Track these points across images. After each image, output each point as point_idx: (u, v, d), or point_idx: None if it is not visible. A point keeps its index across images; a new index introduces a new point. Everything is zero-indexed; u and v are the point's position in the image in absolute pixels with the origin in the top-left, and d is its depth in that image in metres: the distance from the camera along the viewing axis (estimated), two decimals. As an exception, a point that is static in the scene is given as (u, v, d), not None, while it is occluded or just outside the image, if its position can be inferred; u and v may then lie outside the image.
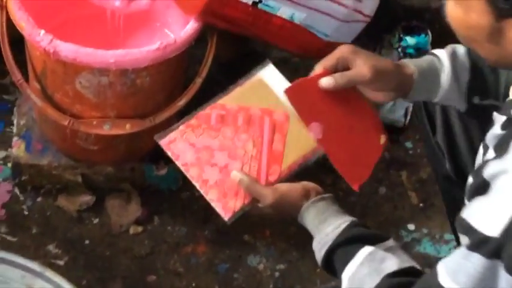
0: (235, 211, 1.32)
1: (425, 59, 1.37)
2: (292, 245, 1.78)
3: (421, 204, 1.91)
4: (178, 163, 1.34)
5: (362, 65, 1.29)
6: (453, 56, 1.36)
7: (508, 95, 1.21)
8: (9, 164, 1.82)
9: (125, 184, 1.82)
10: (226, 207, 1.31)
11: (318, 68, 1.31)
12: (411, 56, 1.99)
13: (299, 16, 1.51)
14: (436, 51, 1.38)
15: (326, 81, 1.28)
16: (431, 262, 1.75)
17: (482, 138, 1.23)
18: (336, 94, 1.30)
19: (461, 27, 1.10)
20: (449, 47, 1.38)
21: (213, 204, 1.32)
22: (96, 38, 1.70)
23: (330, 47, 1.56)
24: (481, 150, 1.24)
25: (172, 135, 1.35)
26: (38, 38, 1.48)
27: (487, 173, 1.07)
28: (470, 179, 1.15)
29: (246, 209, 1.32)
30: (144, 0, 1.63)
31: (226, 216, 1.31)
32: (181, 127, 1.36)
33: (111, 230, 1.77)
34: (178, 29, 1.71)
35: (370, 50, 2.10)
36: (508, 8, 1.01)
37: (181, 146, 1.35)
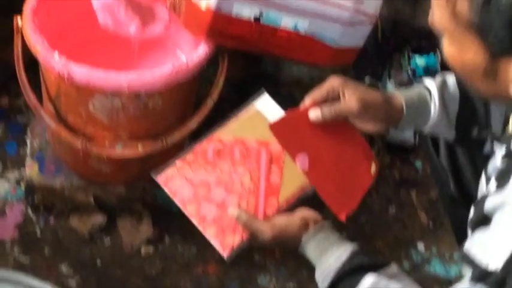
0: (233, 248, 1.32)
1: (415, 89, 1.39)
2: (302, 264, 1.77)
3: (430, 224, 1.92)
4: (175, 200, 1.34)
5: (350, 98, 1.30)
6: (443, 87, 1.38)
7: (506, 127, 1.23)
8: (22, 185, 1.84)
9: (137, 204, 1.83)
10: (224, 244, 1.31)
11: (308, 100, 1.32)
12: (420, 76, 2.00)
13: (302, 24, 1.51)
14: (426, 81, 1.40)
15: (314, 114, 1.30)
16: (441, 282, 1.75)
17: (484, 162, 1.24)
18: (325, 124, 1.31)
19: (457, 65, 1.11)
20: (440, 77, 1.40)
21: (211, 241, 1.32)
22: (109, 59, 1.72)
23: (341, 53, 1.57)
24: (483, 179, 1.25)
25: (169, 172, 1.36)
26: (52, 61, 1.50)
27: (487, 206, 1.08)
28: (472, 211, 1.16)
29: (244, 244, 1.32)
30: (158, 26, 1.64)
31: (224, 253, 1.31)
32: (178, 163, 1.37)
33: (123, 250, 1.78)
34: (190, 50, 1.73)
35: (379, 70, 2.13)
36: (501, 49, 1.02)
37: (178, 182, 1.35)
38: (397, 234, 1.92)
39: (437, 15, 1.09)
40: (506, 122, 1.27)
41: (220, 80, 1.66)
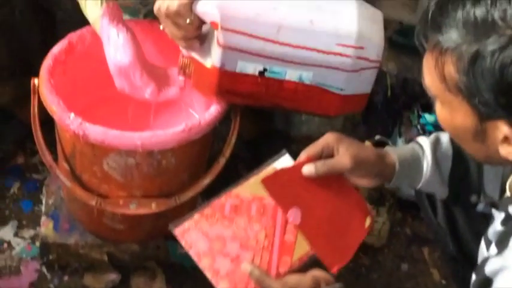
0: None
1: (408, 147, 1.41)
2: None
3: (443, 281, 1.91)
4: (191, 253, 1.35)
5: (344, 154, 1.32)
6: (436, 144, 1.39)
7: (504, 192, 1.24)
8: (37, 243, 1.85)
9: (150, 262, 1.84)
10: None
11: (303, 156, 1.34)
12: (430, 133, 2.01)
13: (307, 75, 1.53)
14: (420, 139, 1.42)
15: (307, 169, 1.31)
16: None
17: (482, 223, 1.25)
18: (319, 180, 1.32)
19: (448, 127, 1.14)
20: (434, 135, 1.42)
21: None
22: (123, 117, 1.75)
23: (350, 100, 1.58)
24: (483, 243, 1.26)
25: (186, 225, 1.37)
26: (68, 121, 1.52)
27: (488, 269, 1.09)
28: (474, 275, 1.16)
29: None
30: (173, 89, 1.67)
31: None
32: (196, 216, 1.38)
33: (137, 307, 1.79)
34: (202, 109, 1.75)
35: (389, 126, 2.15)
36: (488, 111, 1.04)
37: (195, 235, 1.36)
38: (410, 292, 1.92)
39: (428, 80, 1.12)
40: (503, 189, 1.28)
41: (233, 138, 1.68)
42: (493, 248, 1.15)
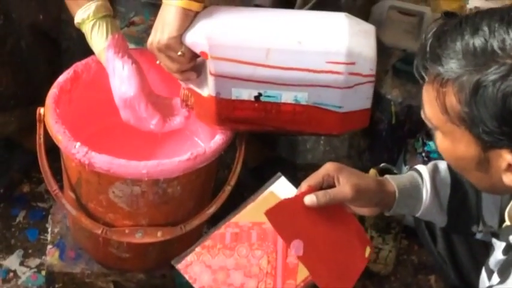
0: None
1: (407, 175, 1.41)
2: None
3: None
4: (195, 286, 1.36)
5: (344, 184, 1.32)
6: (434, 172, 1.40)
7: (503, 220, 1.24)
8: (43, 272, 1.85)
9: (156, 291, 1.84)
10: None
11: (304, 186, 1.34)
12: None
13: (302, 96, 1.52)
14: (419, 167, 1.42)
15: (309, 200, 1.32)
16: None
17: (482, 251, 1.25)
18: (320, 210, 1.33)
19: (450, 157, 1.14)
20: (432, 163, 1.42)
21: None
22: (128, 146, 1.76)
23: (350, 117, 1.56)
24: (484, 273, 1.26)
25: (189, 259, 1.38)
26: (74, 150, 1.53)
27: None
28: None
29: None
30: (178, 119, 1.67)
31: None
32: (198, 249, 1.39)
33: (143, 337, 1.79)
34: (208, 137, 1.76)
35: (394, 154, 2.15)
36: (491, 140, 1.05)
37: (198, 268, 1.37)
38: (417, 320, 1.91)
39: (429, 111, 1.12)
40: (502, 217, 1.28)
41: (238, 166, 1.69)
42: (495, 277, 1.15)
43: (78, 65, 1.74)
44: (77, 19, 1.63)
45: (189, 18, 1.48)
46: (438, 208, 1.40)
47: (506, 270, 1.12)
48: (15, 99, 1.93)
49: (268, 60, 1.48)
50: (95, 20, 1.62)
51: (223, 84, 1.50)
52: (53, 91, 1.66)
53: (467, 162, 1.12)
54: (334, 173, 1.34)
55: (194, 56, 1.52)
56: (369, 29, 1.55)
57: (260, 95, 1.53)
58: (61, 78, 1.70)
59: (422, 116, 1.16)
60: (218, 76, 1.49)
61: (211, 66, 1.48)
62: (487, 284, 1.25)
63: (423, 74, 1.11)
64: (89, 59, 1.74)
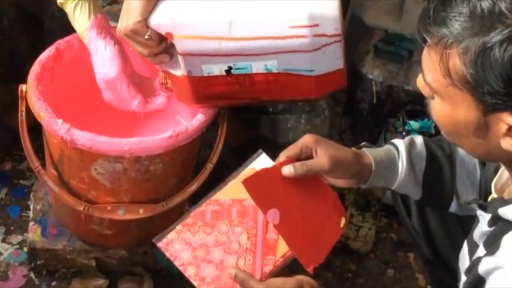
0: None
1: (384, 148, 1.43)
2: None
3: (428, 287, 1.93)
4: (176, 263, 1.38)
5: (322, 155, 1.34)
6: (410, 146, 1.42)
7: (488, 194, 1.26)
8: (25, 249, 1.86)
9: (138, 267, 1.85)
10: None
11: (282, 157, 1.36)
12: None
13: (272, 64, 1.53)
14: (395, 140, 1.44)
15: (286, 170, 1.33)
16: None
17: (457, 222, 1.25)
18: (297, 180, 1.34)
19: (448, 124, 1.15)
20: (408, 138, 1.44)
21: None
22: (110, 124, 1.76)
23: (325, 79, 1.56)
24: (465, 246, 1.27)
25: (169, 237, 1.40)
26: (56, 127, 1.53)
27: (481, 269, 1.11)
28: (463, 277, 1.18)
29: None
30: (160, 99, 1.68)
31: None
32: (178, 227, 1.40)
33: (124, 313, 1.80)
34: (189, 116, 1.76)
35: (375, 133, 2.17)
36: (494, 102, 1.06)
37: (178, 246, 1.38)
38: (396, 297, 1.94)
39: (429, 76, 1.12)
40: (486, 192, 1.30)
41: (220, 144, 1.70)
42: (481, 249, 1.16)
43: (61, 43, 1.74)
44: (60, -1, 1.63)
45: (152, 2, 1.49)
46: (413, 181, 1.41)
47: (493, 242, 1.13)
48: (-3, 77, 1.93)
49: (232, 33, 1.49)
50: (77, 0, 1.62)
51: (192, 62, 1.51)
52: (35, 68, 1.66)
53: (465, 128, 1.12)
54: (312, 145, 1.35)
55: (163, 38, 1.53)
56: None
57: (230, 68, 1.53)
58: (43, 55, 1.70)
59: (419, 83, 1.16)
60: (186, 55, 1.50)
61: (178, 45, 1.49)
62: (467, 258, 1.27)
63: (426, 38, 1.11)
64: (71, 37, 1.74)
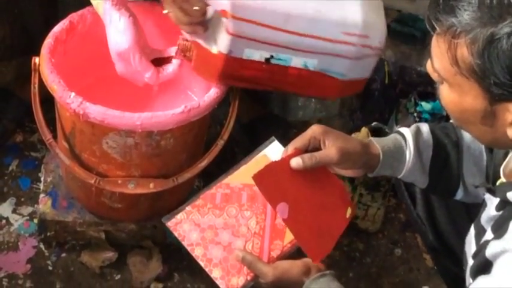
0: None
1: (391, 137, 1.43)
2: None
3: (435, 267, 1.93)
4: (184, 243, 1.39)
5: (330, 147, 1.34)
6: (417, 134, 1.42)
7: (497, 178, 1.26)
8: (35, 220, 1.87)
9: (147, 241, 1.86)
10: (229, 285, 1.35)
11: (290, 148, 1.35)
12: (426, 121, 2.03)
13: (312, 63, 1.56)
14: (402, 129, 1.44)
15: (295, 162, 1.33)
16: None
17: (463, 210, 1.25)
18: (305, 171, 1.34)
19: (456, 110, 1.15)
20: (414, 126, 1.44)
21: (217, 282, 1.36)
22: (123, 97, 1.76)
23: (349, 85, 1.62)
24: (472, 231, 1.28)
25: (178, 217, 1.41)
26: (69, 100, 1.54)
27: (488, 253, 1.11)
28: (470, 261, 1.19)
29: (249, 285, 1.36)
30: (171, 67, 1.68)
31: None
32: (188, 208, 1.42)
33: (132, 286, 1.81)
34: (201, 91, 1.77)
35: (386, 114, 2.17)
36: (501, 93, 1.06)
37: (187, 226, 1.40)
38: (403, 277, 1.94)
39: (438, 63, 1.13)
40: (495, 176, 1.30)
41: (231, 121, 1.70)
42: (489, 233, 1.17)
43: (74, 16, 1.74)
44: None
45: None
46: (420, 169, 1.42)
47: (501, 225, 1.13)
48: (11, 50, 1.93)
49: (286, 26, 1.51)
50: None
51: (238, 43, 1.52)
52: (48, 41, 1.66)
53: (472, 115, 1.13)
54: (320, 136, 1.35)
55: (206, 11, 1.53)
56: (378, 3, 1.60)
57: (271, 57, 1.55)
58: (56, 28, 1.70)
59: (429, 68, 1.17)
60: (235, 36, 1.50)
61: (230, 25, 1.49)
62: (474, 242, 1.27)
63: (435, 25, 1.11)
64: (84, 10, 1.74)
